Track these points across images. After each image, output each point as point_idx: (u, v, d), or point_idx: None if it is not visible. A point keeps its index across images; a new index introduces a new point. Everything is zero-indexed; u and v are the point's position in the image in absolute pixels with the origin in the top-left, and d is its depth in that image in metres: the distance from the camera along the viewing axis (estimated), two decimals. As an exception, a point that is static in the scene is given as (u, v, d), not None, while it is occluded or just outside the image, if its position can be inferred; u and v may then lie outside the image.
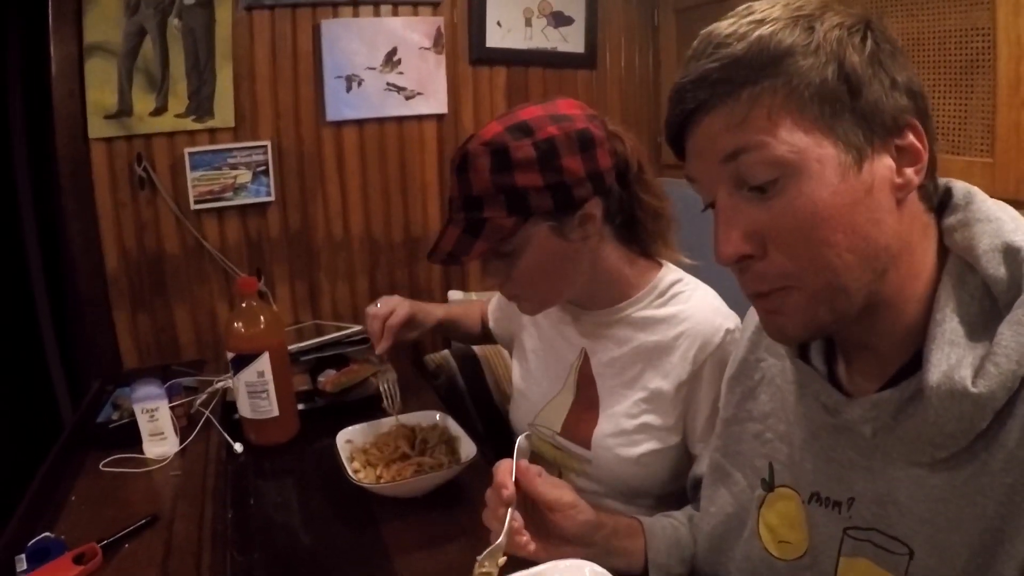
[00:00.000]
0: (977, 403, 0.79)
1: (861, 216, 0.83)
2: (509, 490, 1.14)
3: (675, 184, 1.44)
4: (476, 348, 2.39)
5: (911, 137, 0.85)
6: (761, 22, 0.85)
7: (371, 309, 1.86)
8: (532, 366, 1.75)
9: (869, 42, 0.84)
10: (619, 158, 1.46)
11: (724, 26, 0.88)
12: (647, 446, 1.48)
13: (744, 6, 0.89)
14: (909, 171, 0.85)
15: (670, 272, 1.56)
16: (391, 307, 1.85)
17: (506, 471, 1.16)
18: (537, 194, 1.38)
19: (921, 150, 0.86)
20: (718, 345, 1.43)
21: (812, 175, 0.82)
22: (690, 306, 1.49)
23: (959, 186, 0.94)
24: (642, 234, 1.54)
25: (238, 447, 1.79)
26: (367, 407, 1.93)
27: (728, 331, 1.43)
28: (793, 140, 0.82)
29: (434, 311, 1.98)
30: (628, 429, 1.50)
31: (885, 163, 0.84)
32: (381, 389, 1.79)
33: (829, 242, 0.83)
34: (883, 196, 0.84)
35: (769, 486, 1.11)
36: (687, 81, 0.88)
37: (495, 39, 2.95)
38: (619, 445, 1.50)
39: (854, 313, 0.87)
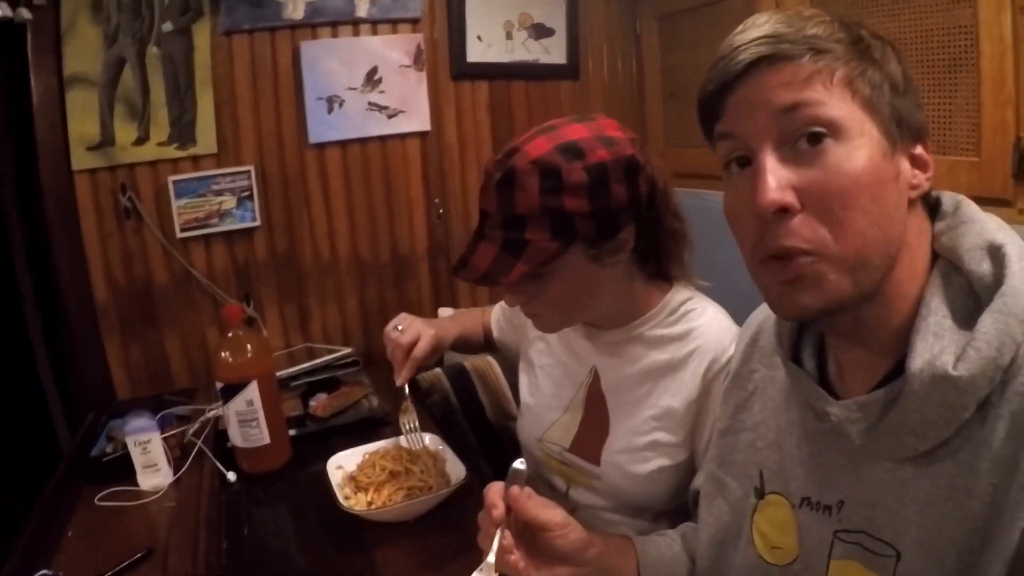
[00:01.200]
0: (958, 387, 0.82)
1: (890, 197, 0.88)
2: (499, 510, 1.15)
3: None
4: (467, 365, 2.38)
5: (922, 150, 0.93)
6: (807, 18, 0.91)
7: (392, 333, 1.80)
8: (541, 382, 1.73)
9: (903, 63, 0.92)
10: (650, 183, 1.43)
11: (769, 14, 0.93)
12: (657, 463, 1.48)
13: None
14: (921, 176, 0.92)
15: (681, 290, 1.54)
16: (415, 335, 1.79)
17: (496, 492, 1.18)
18: (583, 219, 1.33)
19: (929, 162, 0.93)
20: (725, 364, 1.41)
21: (858, 144, 0.86)
22: (702, 324, 1.49)
23: (948, 195, 0.99)
24: (660, 255, 1.52)
25: (231, 476, 1.79)
26: (360, 430, 1.94)
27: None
28: (845, 108, 0.86)
29: (450, 331, 1.94)
30: (638, 446, 1.50)
31: (905, 163, 0.91)
32: (403, 431, 1.74)
33: (865, 209, 0.86)
34: (903, 188, 0.90)
35: (760, 493, 1.14)
36: (755, 36, 0.90)
37: (476, 54, 2.95)
38: (629, 462, 1.50)
39: (867, 294, 0.90)
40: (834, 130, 0.86)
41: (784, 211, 0.87)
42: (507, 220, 1.36)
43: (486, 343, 2.06)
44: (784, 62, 0.87)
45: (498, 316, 1.99)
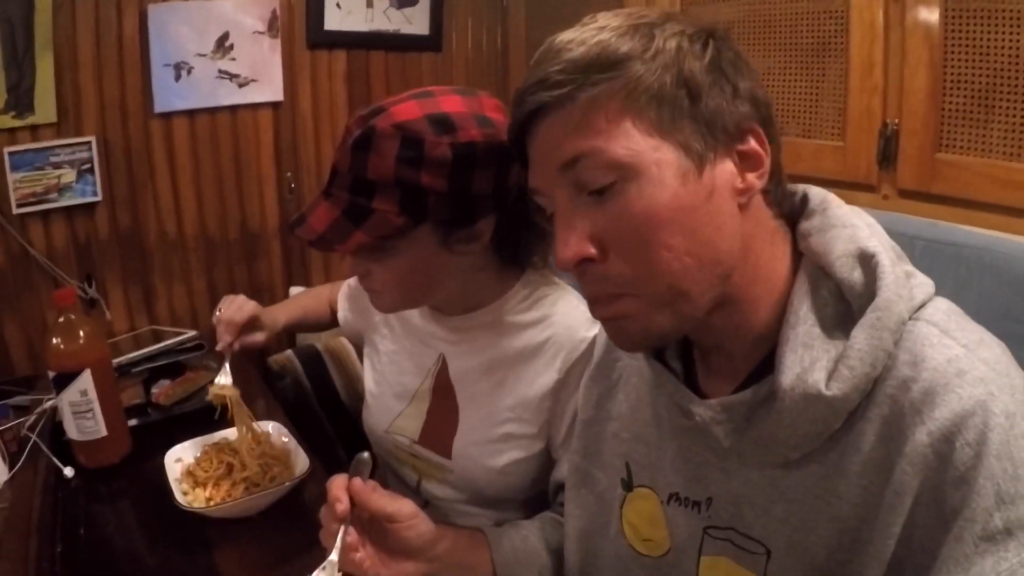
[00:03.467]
0: (831, 406, 0.81)
1: (701, 220, 0.83)
2: (343, 505, 1.11)
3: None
4: (320, 346, 2.33)
5: (753, 143, 0.87)
6: (602, 28, 0.85)
7: (216, 315, 1.77)
8: (386, 370, 1.65)
9: (710, 50, 0.85)
10: (523, 175, 1.36)
11: (568, 33, 0.87)
12: (511, 455, 1.43)
13: (590, 16, 0.90)
14: (751, 176, 0.87)
15: (533, 275, 1.48)
16: (236, 305, 1.77)
17: (340, 486, 1.13)
18: (437, 199, 1.24)
19: (763, 155, 0.87)
20: (584, 352, 1.36)
21: (651, 178, 0.82)
22: (556, 310, 1.43)
23: (815, 192, 0.96)
24: (520, 252, 1.45)
25: (68, 471, 1.69)
26: (205, 418, 1.85)
27: (596, 337, 1.34)
28: (631, 143, 0.82)
29: (279, 316, 1.89)
30: (491, 438, 1.44)
31: (727, 168, 0.86)
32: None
33: (667, 245, 0.82)
34: (724, 201, 0.85)
35: (628, 486, 1.12)
36: (528, 85, 0.87)
37: (334, 22, 2.87)
38: (482, 454, 1.45)
39: (700, 316, 0.88)
40: (620, 171, 0.83)
41: (588, 261, 0.86)
42: (356, 183, 1.25)
43: (334, 320, 1.99)
44: (558, 108, 0.85)
45: (343, 299, 1.89)
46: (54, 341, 1.67)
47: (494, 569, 1.26)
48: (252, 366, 2.18)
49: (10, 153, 2.41)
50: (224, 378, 1.65)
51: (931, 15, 1.64)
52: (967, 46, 1.60)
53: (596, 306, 0.91)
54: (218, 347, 1.72)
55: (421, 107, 1.25)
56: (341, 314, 1.89)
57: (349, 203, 1.26)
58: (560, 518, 1.30)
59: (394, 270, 1.32)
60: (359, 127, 1.25)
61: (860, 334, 0.81)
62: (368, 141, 1.23)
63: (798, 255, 0.93)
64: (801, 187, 0.97)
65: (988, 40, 1.56)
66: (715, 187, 0.84)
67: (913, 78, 1.68)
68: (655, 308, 0.86)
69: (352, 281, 1.83)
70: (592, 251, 0.85)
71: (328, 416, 2.22)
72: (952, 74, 1.63)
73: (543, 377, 1.40)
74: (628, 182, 0.82)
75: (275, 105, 2.84)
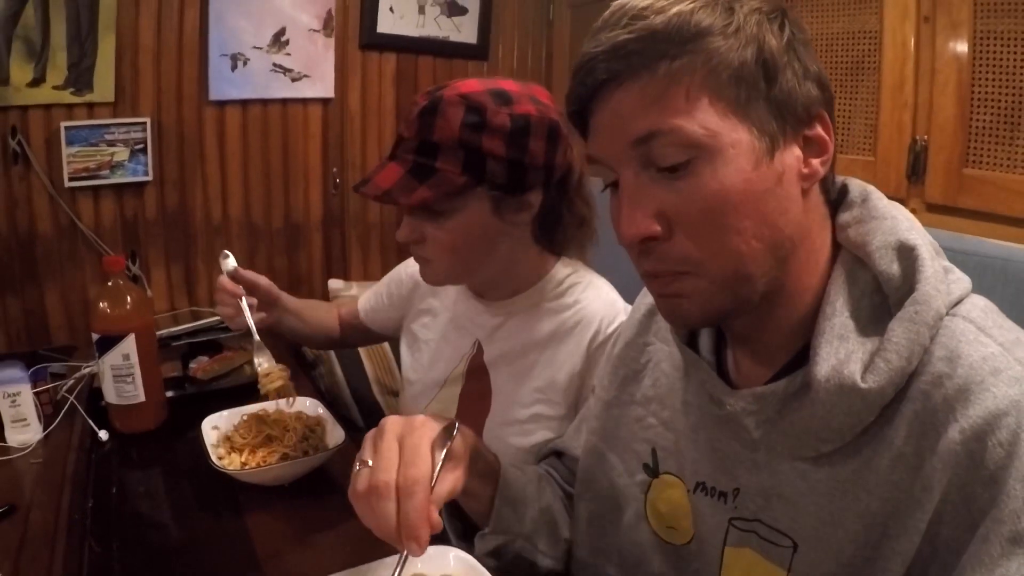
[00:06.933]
0: (866, 398, 0.79)
1: (770, 204, 0.82)
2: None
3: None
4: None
5: (819, 128, 0.86)
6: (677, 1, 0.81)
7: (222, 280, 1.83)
8: (424, 357, 1.71)
9: (787, 29, 0.83)
10: (567, 160, 1.45)
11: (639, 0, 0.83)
12: (540, 435, 1.47)
13: None
14: (816, 162, 0.86)
15: (566, 264, 1.55)
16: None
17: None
18: (496, 163, 1.35)
19: (828, 141, 0.86)
20: (608, 335, 1.43)
21: (726, 159, 0.80)
22: (586, 296, 1.50)
23: (856, 184, 0.95)
24: (559, 235, 1.52)
25: (103, 434, 1.72)
26: (239, 395, 1.88)
27: (623, 323, 1.37)
28: (709, 123, 0.80)
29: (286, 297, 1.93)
30: (521, 419, 1.49)
31: (794, 152, 0.84)
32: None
33: (737, 228, 0.81)
34: (791, 185, 0.84)
35: (654, 472, 1.10)
36: (599, 51, 0.83)
37: (386, 25, 2.93)
38: (512, 435, 1.49)
39: (755, 301, 0.87)
40: (696, 151, 0.80)
41: (652, 239, 0.84)
42: (422, 145, 1.37)
43: (341, 340, 2.03)
44: (634, 79, 0.82)
45: (371, 294, 1.94)
46: (101, 305, 1.70)
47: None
48: (287, 353, 2.22)
49: (66, 128, 2.46)
50: (266, 362, 1.65)
51: (960, 37, 1.69)
52: (994, 67, 1.65)
53: (655, 281, 0.89)
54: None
55: (482, 84, 1.39)
56: (368, 314, 1.94)
57: (414, 163, 1.37)
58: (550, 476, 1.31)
59: (449, 231, 1.41)
60: (425, 99, 1.37)
61: (898, 327, 0.79)
62: (435, 108, 1.35)
63: (836, 247, 0.92)
64: (840, 178, 0.96)
65: (1015, 62, 1.62)
66: (784, 171, 0.83)
67: (942, 96, 1.73)
68: (717, 289, 0.84)
69: (386, 280, 1.89)
70: (658, 229, 0.83)
71: (359, 407, 2.24)
72: (979, 93, 1.68)
73: (571, 360, 1.46)
74: (703, 162, 0.80)
75: (325, 101, 2.89)
